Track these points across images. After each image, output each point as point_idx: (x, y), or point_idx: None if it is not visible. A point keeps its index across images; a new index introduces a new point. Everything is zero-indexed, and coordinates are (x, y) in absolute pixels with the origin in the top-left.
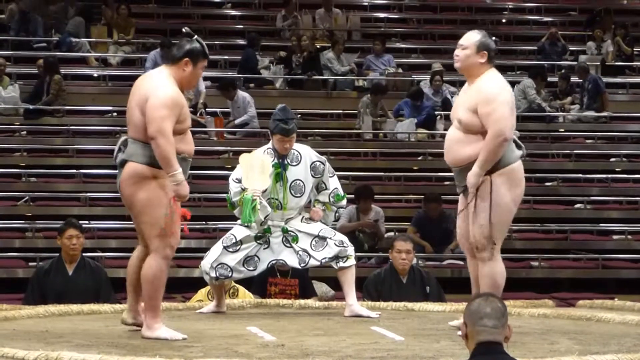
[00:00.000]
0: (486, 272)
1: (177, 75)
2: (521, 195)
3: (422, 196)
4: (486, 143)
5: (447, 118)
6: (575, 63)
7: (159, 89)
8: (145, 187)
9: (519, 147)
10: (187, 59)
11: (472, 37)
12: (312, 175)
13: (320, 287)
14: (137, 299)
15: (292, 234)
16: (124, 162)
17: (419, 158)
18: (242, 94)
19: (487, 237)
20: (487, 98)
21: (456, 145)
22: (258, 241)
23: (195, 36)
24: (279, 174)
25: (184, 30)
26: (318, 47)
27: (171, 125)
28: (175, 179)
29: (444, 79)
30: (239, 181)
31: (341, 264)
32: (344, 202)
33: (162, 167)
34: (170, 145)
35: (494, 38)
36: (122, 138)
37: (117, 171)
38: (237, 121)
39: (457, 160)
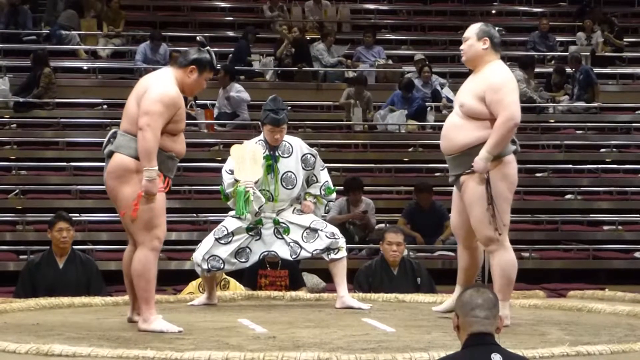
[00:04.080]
0: (495, 263)
1: (180, 79)
2: (514, 187)
3: (413, 187)
4: (497, 127)
5: (437, 110)
6: (566, 54)
7: (159, 85)
8: (129, 181)
9: (513, 142)
10: (193, 66)
11: (472, 28)
12: (303, 168)
13: (311, 279)
14: (136, 297)
15: (284, 225)
16: (111, 154)
17: (410, 149)
18: (236, 85)
19: (491, 228)
20: (496, 86)
21: (453, 131)
22: (249, 233)
23: (208, 47)
24: (270, 166)
25: (198, 39)
26: (308, 38)
27: (162, 122)
28: (150, 175)
29: (432, 70)
30: (232, 172)
31: (332, 255)
32: (334, 195)
33: (141, 159)
34: (155, 141)
35: (497, 29)
36: (112, 130)
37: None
38: (232, 93)
39: (452, 147)
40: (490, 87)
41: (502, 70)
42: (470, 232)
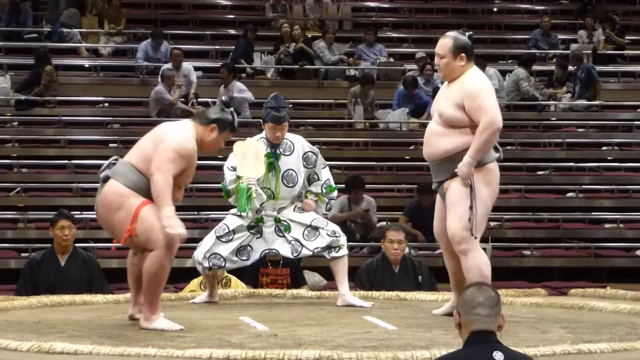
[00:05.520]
0: (470, 264)
1: (200, 136)
2: (495, 195)
3: (414, 186)
4: (479, 133)
5: None
6: (567, 52)
7: (179, 136)
8: (122, 206)
9: (496, 150)
10: (214, 125)
11: (446, 44)
12: (304, 166)
13: (313, 277)
14: (139, 294)
15: (285, 223)
16: (107, 179)
17: (411, 147)
18: (238, 84)
19: (467, 228)
20: (473, 92)
21: (435, 138)
22: (251, 231)
23: (231, 108)
24: (272, 164)
25: (222, 98)
26: (309, 36)
27: (175, 170)
28: (167, 214)
29: (435, 68)
30: (234, 169)
31: (333, 253)
32: (335, 193)
33: (156, 202)
34: (168, 184)
35: (468, 33)
36: (113, 157)
37: (106, 161)
38: (235, 92)
39: (434, 154)
40: (467, 94)
41: (478, 76)
42: None
